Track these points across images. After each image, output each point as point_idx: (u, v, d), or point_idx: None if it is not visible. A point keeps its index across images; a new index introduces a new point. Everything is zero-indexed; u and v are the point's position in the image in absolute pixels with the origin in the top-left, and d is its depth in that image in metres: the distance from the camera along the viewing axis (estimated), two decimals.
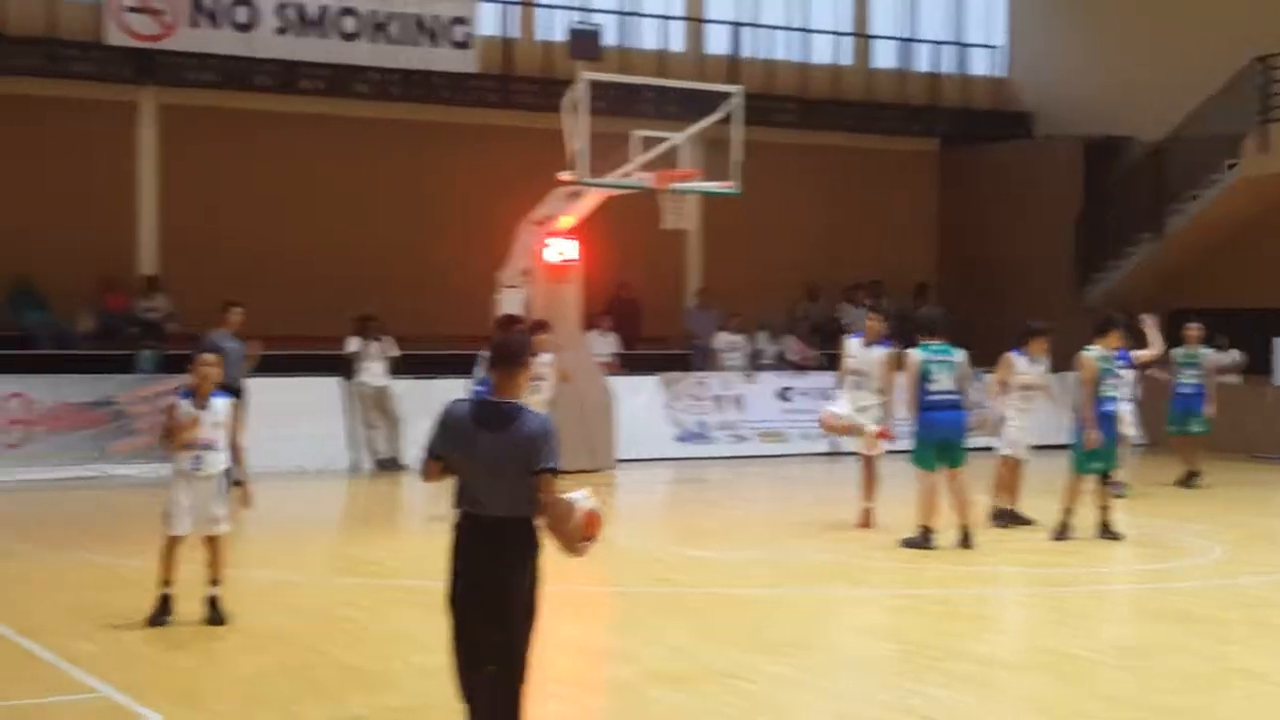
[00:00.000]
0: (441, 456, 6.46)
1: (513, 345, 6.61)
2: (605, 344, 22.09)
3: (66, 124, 21.39)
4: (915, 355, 13.39)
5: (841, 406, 14.66)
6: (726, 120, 18.42)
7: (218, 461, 9.99)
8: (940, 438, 13.27)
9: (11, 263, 20.65)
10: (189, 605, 9.91)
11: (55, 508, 16.61)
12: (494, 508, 6.29)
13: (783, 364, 23.66)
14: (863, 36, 27.52)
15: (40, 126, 21.21)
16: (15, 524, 15.37)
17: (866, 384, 14.63)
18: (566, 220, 19.07)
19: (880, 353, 14.70)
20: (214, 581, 9.96)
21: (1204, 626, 10.43)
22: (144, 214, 22.17)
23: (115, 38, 21.13)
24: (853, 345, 14.89)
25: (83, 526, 15.06)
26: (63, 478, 18.00)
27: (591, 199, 18.66)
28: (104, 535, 14.05)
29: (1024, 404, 14.79)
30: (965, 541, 13.15)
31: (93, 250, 21.35)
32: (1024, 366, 14.77)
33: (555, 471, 6.29)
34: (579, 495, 6.37)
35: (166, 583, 9.87)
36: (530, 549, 6.34)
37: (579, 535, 6.32)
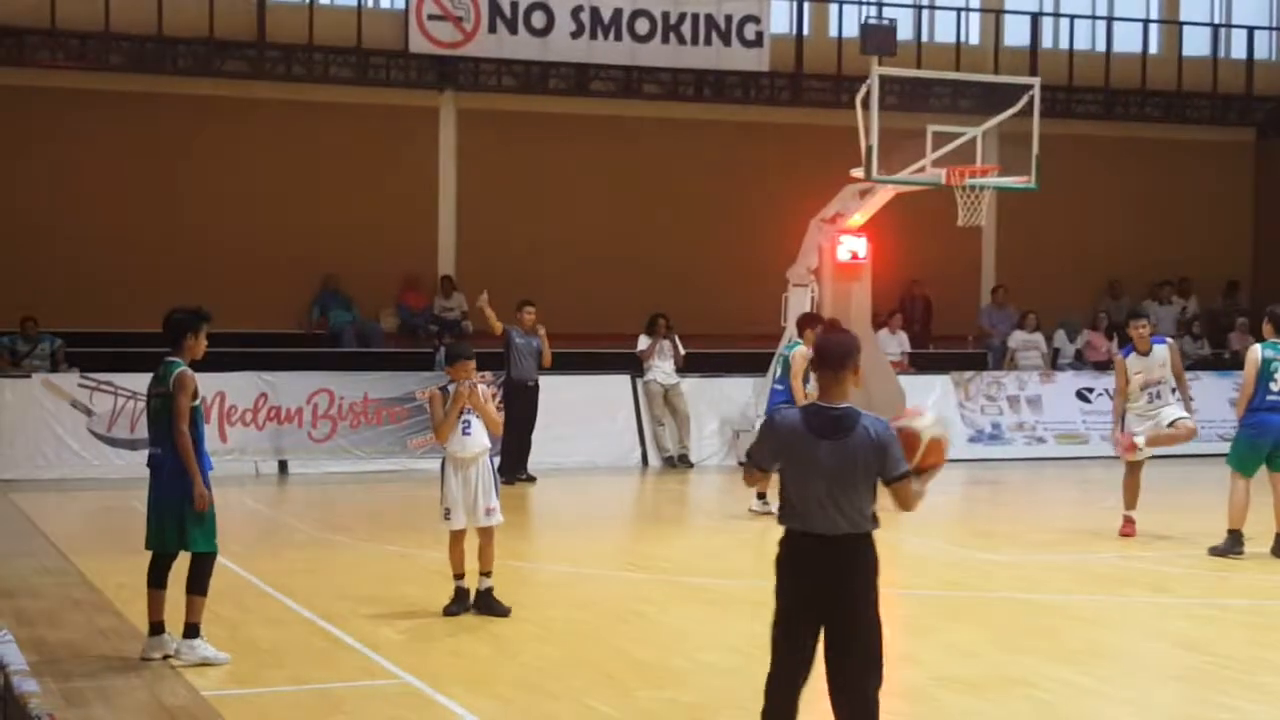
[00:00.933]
0: (769, 470, 6.28)
1: (840, 346, 6.26)
2: (896, 342, 21.90)
3: (373, 129, 22.26)
4: (1258, 351, 12.70)
5: (1140, 427, 13.84)
6: (1025, 113, 18.04)
7: (477, 444, 10.10)
8: (1274, 440, 12.58)
9: (321, 264, 21.67)
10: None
11: (358, 500, 17.35)
12: (835, 524, 5.99)
13: (1082, 363, 23.05)
14: (1173, 23, 26.56)
15: (349, 132, 22.11)
16: (321, 515, 16.10)
17: (1163, 390, 13.85)
18: (858, 218, 18.95)
19: (1160, 351, 13.87)
20: (485, 573, 10.12)
21: None
22: (444, 215, 22.92)
23: (418, 45, 21.92)
24: (1131, 362, 13.84)
25: (383, 518, 15.68)
26: (366, 470, 18.79)
27: (882, 196, 18.51)
28: (402, 526, 14.58)
29: None
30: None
31: (396, 251, 22.24)
32: None
33: (907, 476, 6.06)
34: (926, 420, 6.24)
35: (458, 575, 10.18)
36: (874, 566, 6.09)
37: (922, 466, 6.16)
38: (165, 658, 8.71)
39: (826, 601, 6.01)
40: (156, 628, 8.81)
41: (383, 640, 9.39)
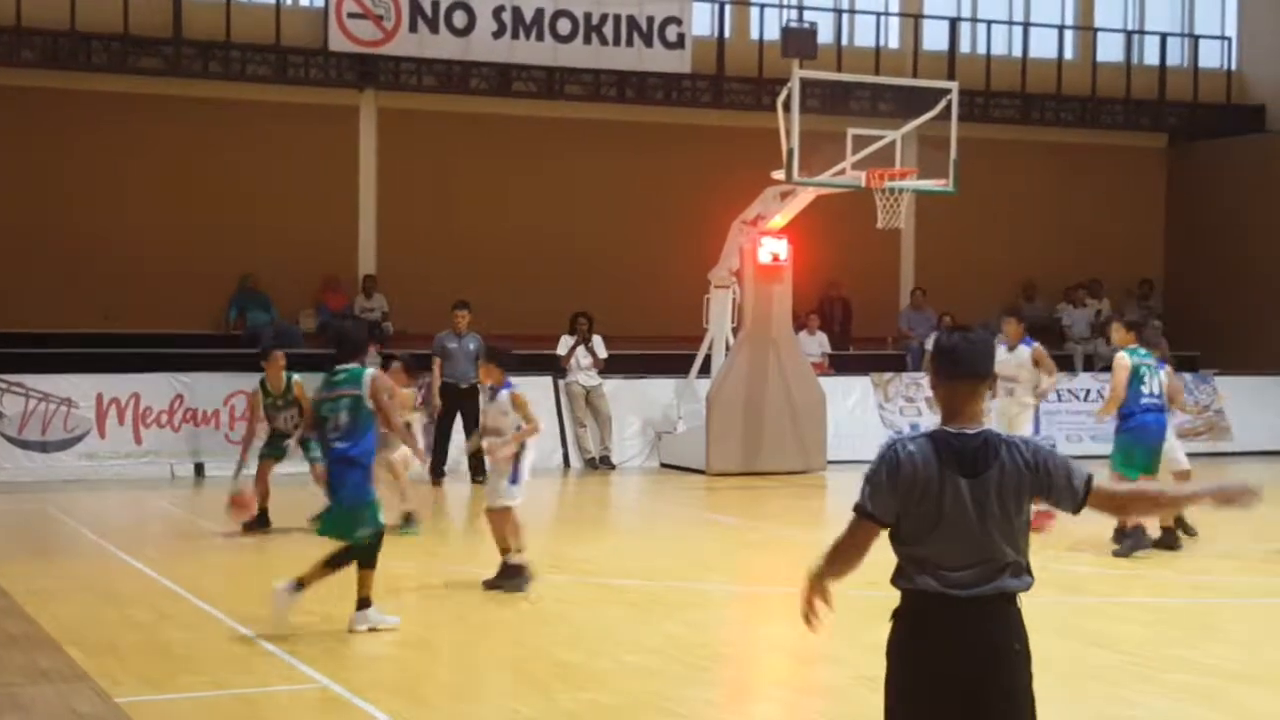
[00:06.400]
0: (887, 521, 4.65)
1: (975, 349, 4.74)
2: (815, 344, 22.00)
3: (291, 128, 22.01)
4: (1127, 358, 13.11)
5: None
6: (943, 116, 18.18)
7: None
8: (1156, 440, 13.01)
9: (238, 264, 21.41)
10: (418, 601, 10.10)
11: (276, 502, 17.12)
12: (976, 582, 4.57)
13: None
14: (1087, 29, 26.90)
15: (266, 131, 21.87)
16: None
17: (1018, 389, 14.37)
18: (778, 220, 19.02)
19: (1022, 351, 14.49)
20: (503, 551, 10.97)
21: None
22: (364, 216, 22.75)
23: (338, 43, 21.72)
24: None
25: (302, 521, 15.48)
26: (285, 473, 18.50)
27: (803, 198, 18.59)
28: None
29: None
30: (1167, 542, 12.96)
31: (315, 251, 22.02)
32: None
33: (1091, 480, 4.65)
34: None
35: (503, 551, 10.99)
36: (1021, 633, 4.66)
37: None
38: (371, 630, 9.52)
39: (975, 686, 4.58)
40: (363, 603, 9.63)
41: (302, 644, 9.26)
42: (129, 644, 8.75)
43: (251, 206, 21.68)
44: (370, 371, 9.94)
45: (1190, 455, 14.70)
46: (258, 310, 21.35)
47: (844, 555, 4.74)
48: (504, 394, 10.92)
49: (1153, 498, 5.17)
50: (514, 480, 10.92)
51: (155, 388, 18.44)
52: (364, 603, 9.62)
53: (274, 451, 14.27)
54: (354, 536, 9.63)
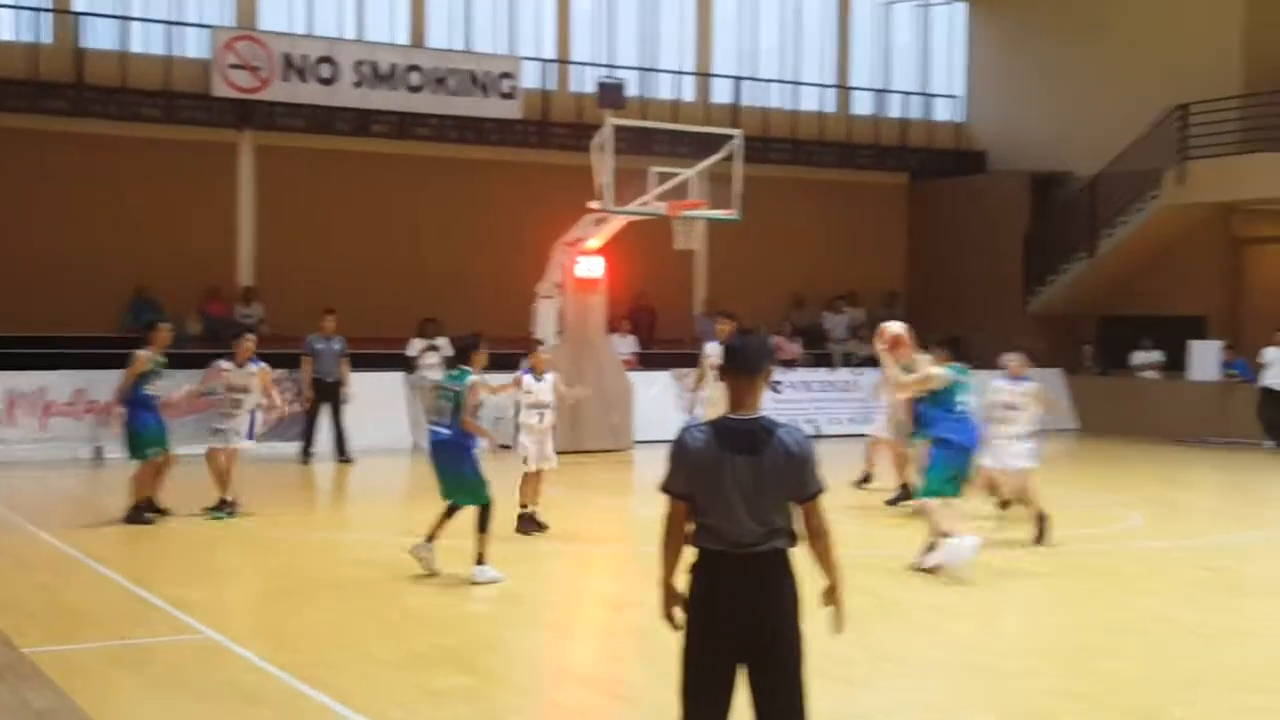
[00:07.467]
0: (687, 495, 4.66)
1: (751, 349, 4.78)
2: (626, 344, 22.10)
3: (180, 162, 21.51)
4: (946, 371, 10.59)
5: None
6: (729, 158, 18.40)
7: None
8: (970, 451, 10.60)
9: (133, 276, 20.86)
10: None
11: (167, 480, 16.64)
12: (749, 542, 4.58)
13: (774, 362, 23.60)
14: (844, 88, 27.49)
15: (158, 164, 21.34)
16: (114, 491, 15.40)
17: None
18: (594, 242, 19.07)
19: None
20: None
21: (1125, 581, 10.40)
22: (243, 235, 22.27)
23: (220, 89, 21.24)
24: (709, 348, 14.37)
25: (190, 496, 15.07)
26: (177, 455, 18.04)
27: (615, 224, 18.66)
28: (207, 502, 14.03)
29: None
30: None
31: (200, 265, 21.54)
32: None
33: (819, 494, 4.67)
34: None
35: (523, 505, 11.81)
36: (792, 582, 4.66)
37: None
38: (423, 561, 9.91)
39: (748, 622, 4.58)
40: (430, 538, 10.00)
41: (190, 601, 9.03)
42: (34, 603, 8.44)
43: (146, 228, 21.15)
44: (471, 377, 10.05)
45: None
46: (151, 315, 20.62)
47: (668, 536, 4.74)
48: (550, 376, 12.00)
49: (829, 558, 4.74)
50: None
51: (61, 382, 17.78)
52: (479, 559, 9.84)
53: (157, 448, 12.60)
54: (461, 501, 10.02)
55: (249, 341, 13.04)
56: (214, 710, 6.68)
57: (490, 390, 10.90)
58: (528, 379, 12.07)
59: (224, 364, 12.87)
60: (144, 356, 12.54)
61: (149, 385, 12.66)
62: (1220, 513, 15.22)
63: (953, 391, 10.53)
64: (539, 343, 12.56)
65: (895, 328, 11.38)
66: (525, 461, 11.90)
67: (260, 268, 22.19)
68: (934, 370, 10.65)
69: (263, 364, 13.04)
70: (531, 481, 11.94)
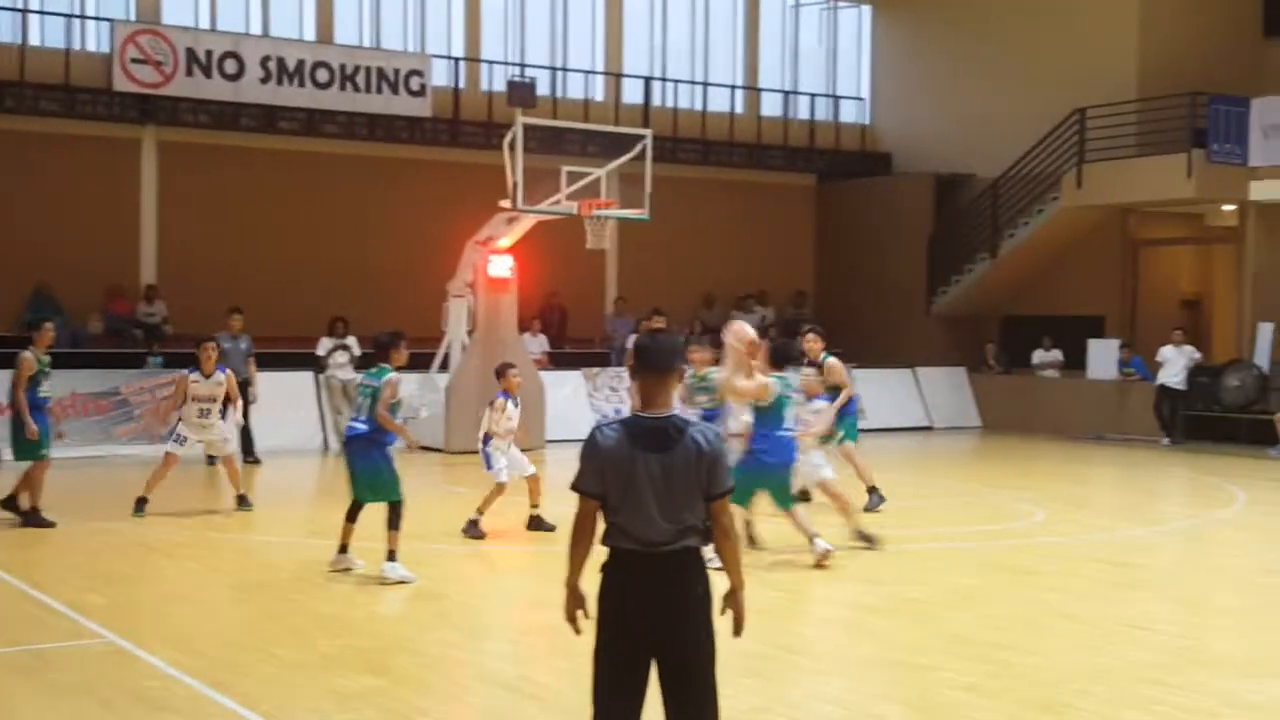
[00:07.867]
0: (600, 494, 4.60)
1: (664, 349, 4.74)
2: (537, 344, 22.03)
3: (80, 157, 21.05)
4: (775, 383, 10.31)
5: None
6: (639, 158, 18.43)
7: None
8: (788, 466, 10.46)
9: (33, 273, 20.34)
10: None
11: (66, 484, 16.28)
12: (661, 540, 4.55)
13: (684, 360, 23.64)
14: (753, 89, 27.66)
15: (58, 160, 20.85)
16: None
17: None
18: (505, 241, 18.99)
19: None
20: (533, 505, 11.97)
21: (1029, 577, 10.56)
22: (145, 233, 21.85)
23: (122, 84, 20.80)
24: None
25: (89, 499, 14.78)
26: (73, 457, 17.66)
27: (526, 223, 18.59)
28: (107, 505, 13.77)
29: None
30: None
31: (102, 263, 21.09)
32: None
33: (726, 495, 4.65)
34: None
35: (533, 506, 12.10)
36: (705, 580, 4.63)
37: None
38: (346, 570, 9.92)
39: (659, 620, 4.55)
40: (343, 549, 10.03)
41: (91, 606, 8.83)
42: None
43: (44, 225, 20.66)
44: (389, 373, 10.27)
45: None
46: (46, 313, 20.15)
47: (577, 535, 4.67)
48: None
49: (734, 560, 4.74)
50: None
51: None
52: (390, 555, 9.78)
53: (38, 452, 12.32)
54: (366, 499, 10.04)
55: (211, 350, 13.23)
56: (119, 718, 6.53)
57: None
58: (508, 404, 12.06)
59: (191, 375, 13.11)
60: (29, 359, 12.24)
61: (40, 387, 12.36)
62: (1120, 508, 15.54)
63: (781, 405, 10.15)
64: (511, 366, 12.24)
65: (753, 332, 10.69)
66: (499, 474, 11.85)
67: (164, 266, 21.79)
68: (769, 380, 10.15)
69: (228, 370, 13.53)
70: (532, 484, 12.18)
